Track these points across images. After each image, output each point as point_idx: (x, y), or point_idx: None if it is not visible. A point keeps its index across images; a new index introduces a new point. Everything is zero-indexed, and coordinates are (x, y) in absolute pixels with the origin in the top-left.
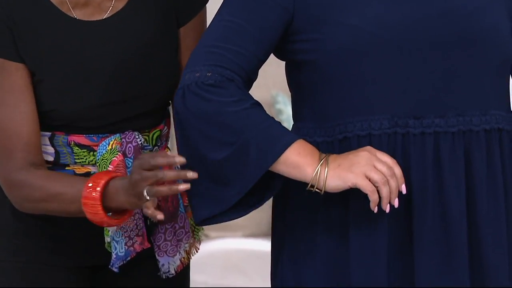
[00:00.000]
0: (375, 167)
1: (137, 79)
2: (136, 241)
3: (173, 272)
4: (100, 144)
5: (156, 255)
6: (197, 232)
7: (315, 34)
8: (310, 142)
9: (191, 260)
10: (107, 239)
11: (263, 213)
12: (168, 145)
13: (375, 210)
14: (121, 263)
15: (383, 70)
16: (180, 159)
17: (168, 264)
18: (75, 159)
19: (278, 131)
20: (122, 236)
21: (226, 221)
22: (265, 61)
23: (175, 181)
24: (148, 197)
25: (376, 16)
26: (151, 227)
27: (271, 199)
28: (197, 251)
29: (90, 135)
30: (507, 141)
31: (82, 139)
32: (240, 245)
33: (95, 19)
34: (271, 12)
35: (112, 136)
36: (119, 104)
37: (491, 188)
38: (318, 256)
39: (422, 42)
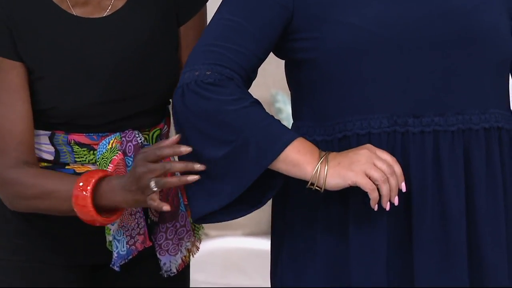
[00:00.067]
0: (375, 165)
1: (137, 77)
2: (138, 239)
3: (174, 271)
4: (100, 143)
5: (158, 254)
6: (198, 231)
7: (315, 32)
8: (310, 141)
9: (191, 259)
10: (109, 238)
11: (263, 212)
12: None
13: (375, 208)
14: (123, 262)
15: (382, 69)
16: (186, 148)
17: (170, 263)
18: (75, 158)
19: (278, 129)
20: (123, 235)
21: (227, 220)
22: (264, 59)
23: (173, 174)
24: (155, 189)
25: (376, 15)
26: (151, 226)
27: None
28: (197, 250)
29: (90, 134)
30: (507, 139)
31: (82, 138)
32: (240, 243)
33: (94, 17)
34: (271, 10)
35: (112, 135)
36: (119, 102)
37: (491, 187)
38: (318, 254)
39: (422, 41)
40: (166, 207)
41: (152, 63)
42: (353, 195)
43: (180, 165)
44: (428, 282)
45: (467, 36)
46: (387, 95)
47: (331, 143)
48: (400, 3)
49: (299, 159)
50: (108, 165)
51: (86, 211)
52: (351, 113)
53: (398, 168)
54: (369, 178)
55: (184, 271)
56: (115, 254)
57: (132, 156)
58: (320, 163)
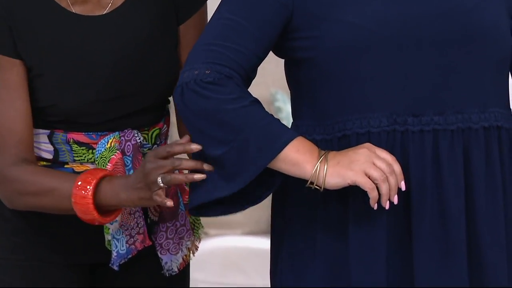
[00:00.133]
0: (374, 164)
1: (136, 75)
2: (137, 239)
3: (176, 270)
4: (99, 142)
5: (159, 254)
6: (197, 230)
7: (314, 31)
8: (309, 140)
9: (191, 258)
10: (108, 237)
11: (262, 211)
12: None
13: (375, 207)
14: (122, 261)
15: (382, 67)
16: (197, 146)
17: (171, 262)
18: (74, 157)
19: (277, 129)
20: (123, 234)
21: (222, 215)
22: (264, 58)
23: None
24: (161, 184)
25: (375, 13)
26: (151, 226)
27: (270, 197)
28: (197, 249)
29: (89, 133)
30: (506, 139)
31: (81, 136)
32: (239, 243)
33: (94, 15)
34: (270, 9)
35: (111, 134)
36: (118, 99)
37: (490, 186)
38: (318, 253)
39: (421, 39)
40: (170, 203)
41: (151, 61)
42: (353, 194)
43: (189, 164)
44: (428, 281)
45: (467, 34)
46: (386, 94)
47: (331, 142)
48: (400, 2)
49: (298, 158)
50: (107, 164)
51: (87, 210)
52: (350, 112)
53: (397, 167)
54: (369, 177)
55: (184, 270)
56: (114, 253)
57: (130, 155)
58: (320, 162)
